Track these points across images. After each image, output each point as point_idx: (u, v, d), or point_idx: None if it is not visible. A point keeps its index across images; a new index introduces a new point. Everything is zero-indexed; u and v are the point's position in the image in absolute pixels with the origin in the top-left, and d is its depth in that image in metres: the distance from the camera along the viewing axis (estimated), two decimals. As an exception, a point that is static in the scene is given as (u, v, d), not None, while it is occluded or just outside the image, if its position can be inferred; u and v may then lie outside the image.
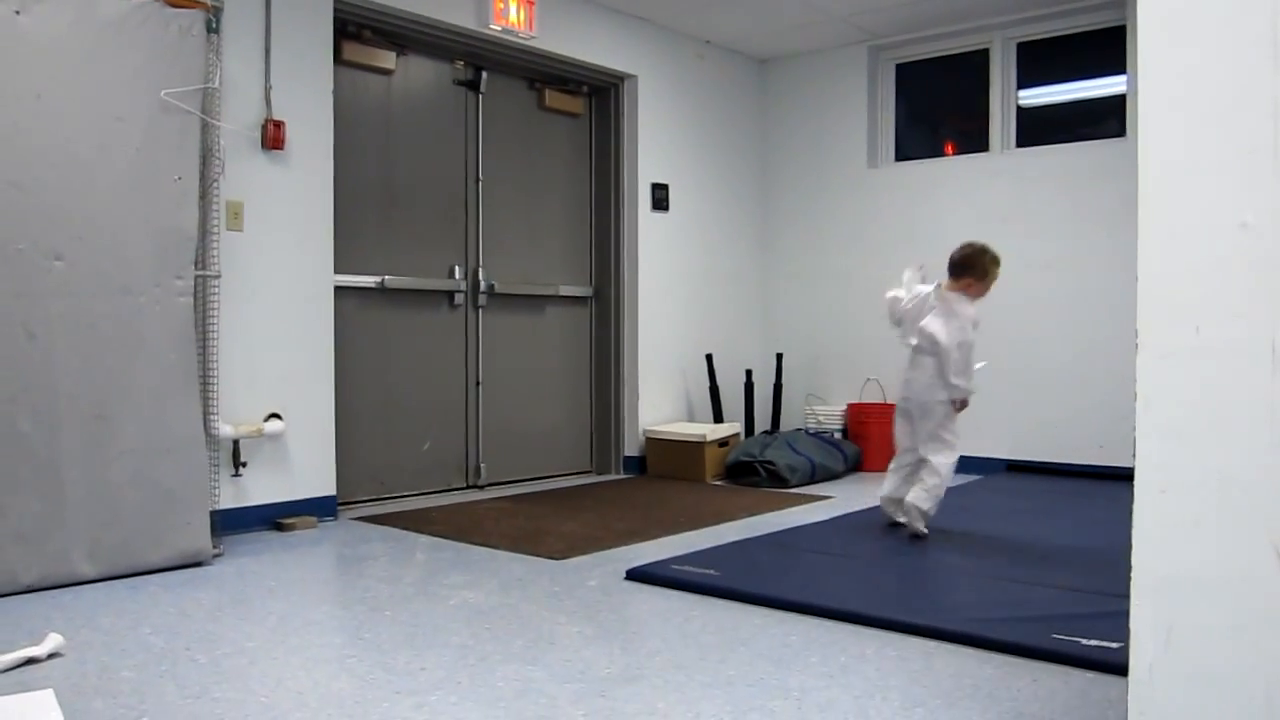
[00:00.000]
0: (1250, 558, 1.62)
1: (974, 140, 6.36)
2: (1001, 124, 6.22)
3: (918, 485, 4.17)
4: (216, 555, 3.78)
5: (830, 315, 6.76)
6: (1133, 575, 1.76)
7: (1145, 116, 1.73)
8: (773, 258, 7.05)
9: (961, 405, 4.18)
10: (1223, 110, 1.65)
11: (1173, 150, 1.70)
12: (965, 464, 6.06)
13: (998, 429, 5.97)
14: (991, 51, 6.24)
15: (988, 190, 6.15)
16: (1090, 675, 2.48)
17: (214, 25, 3.87)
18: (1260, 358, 1.61)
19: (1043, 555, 3.83)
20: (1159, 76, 1.71)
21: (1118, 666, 2.12)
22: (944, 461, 4.16)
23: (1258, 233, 1.62)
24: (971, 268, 4.17)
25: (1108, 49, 5.81)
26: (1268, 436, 1.60)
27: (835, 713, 2.27)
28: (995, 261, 4.19)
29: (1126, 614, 1.77)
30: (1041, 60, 6.18)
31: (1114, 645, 2.52)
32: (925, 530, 4.14)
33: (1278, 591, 1.59)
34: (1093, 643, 2.62)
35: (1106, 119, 5.91)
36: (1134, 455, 1.77)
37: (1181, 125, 1.69)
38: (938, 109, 6.83)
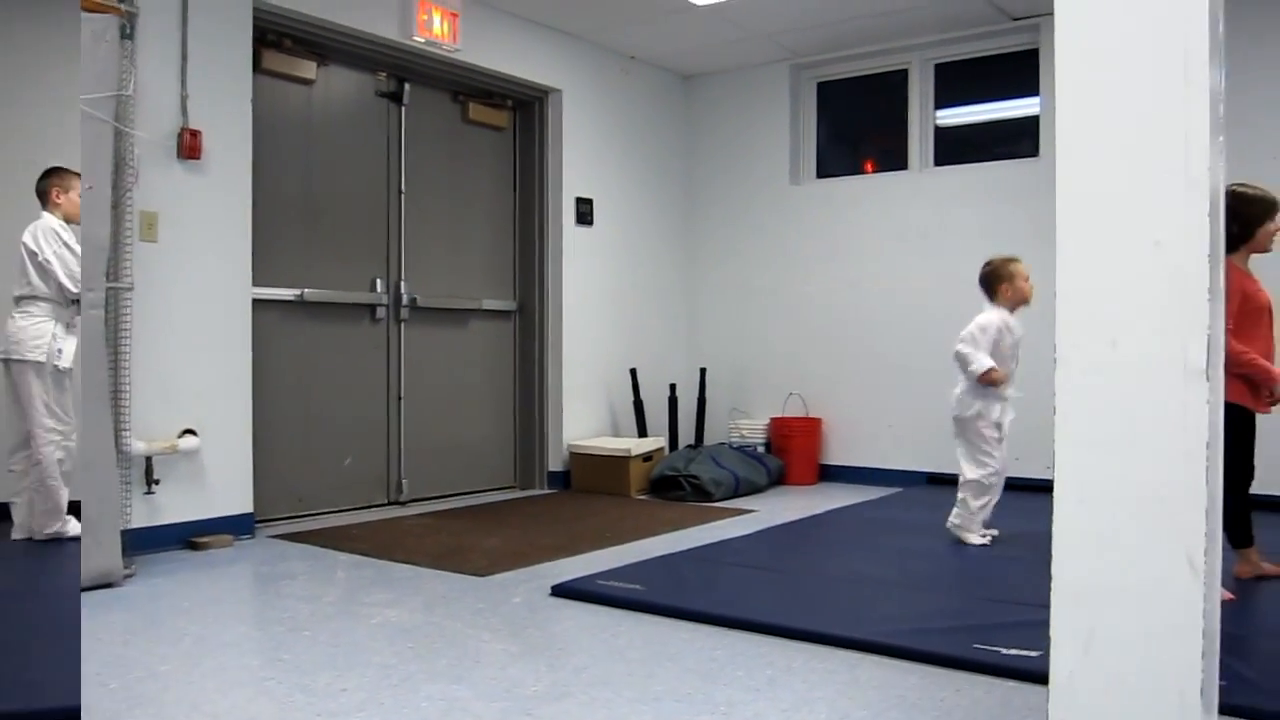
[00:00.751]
0: (1166, 566, 1.66)
1: (893, 158, 6.49)
2: (920, 143, 6.35)
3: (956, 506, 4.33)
4: (128, 575, 3.66)
5: (753, 330, 6.82)
6: (1053, 584, 1.80)
7: (1063, 139, 1.78)
8: (696, 272, 7.10)
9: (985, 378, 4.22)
10: (1137, 134, 1.71)
11: (1089, 172, 1.75)
12: (888, 476, 6.22)
13: (919, 442, 6.07)
14: (910, 72, 6.38)
15: (907, 207, 6.26)
16: (1011, 684, 2.53)
17: (129, 31, 3.78)
18: (1174, 371, 1.66)
19: (963, 566, 3.90)
20: (1077, 101, 1.77)
21: (1038, 675, 2.16)
22: (970, 478, 4.24)
23: (1170, 251, 1.67)
24: (991, 283, 4.37)
25: (1022, 72, 5.98)
26: (1181, 448, 1.65)
27: (763, 726, 2.28)
28: (1005, 262, 4.35)
29: (1046, 623, 1.81)
30: (958, 81, 6.33)
31: (1034, 654, 2.58)
32: (978, 539, 4.23)
33: (1192, 599, 1.64)
34: (1013, 651, 2.67)
35: (1021, 139, 6.08)
36: (1050, 467, 1.81)
37: (1098, 148, 1.75)
38: (858, 127, 6.95)
